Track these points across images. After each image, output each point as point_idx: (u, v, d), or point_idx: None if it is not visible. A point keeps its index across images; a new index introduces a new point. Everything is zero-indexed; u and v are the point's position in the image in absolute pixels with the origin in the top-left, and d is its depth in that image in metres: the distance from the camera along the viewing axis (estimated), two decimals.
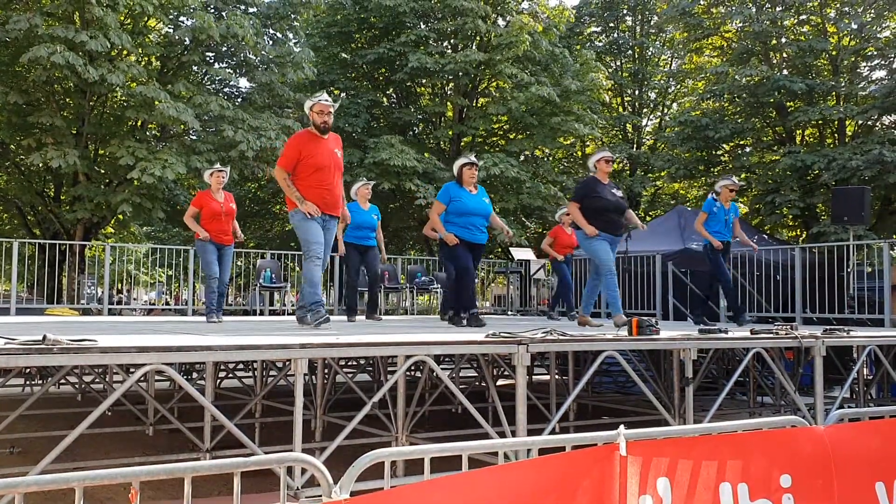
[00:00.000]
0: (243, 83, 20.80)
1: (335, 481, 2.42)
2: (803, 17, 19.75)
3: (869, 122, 18.64)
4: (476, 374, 11.80)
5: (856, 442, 3.20)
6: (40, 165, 15.88)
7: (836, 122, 18.81)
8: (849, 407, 9.19)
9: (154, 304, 26.82)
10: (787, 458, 2.97)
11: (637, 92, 27.68)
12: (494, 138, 23.74)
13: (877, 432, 3.34)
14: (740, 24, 19.69)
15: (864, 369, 10.39)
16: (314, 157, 6.54)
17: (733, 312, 9.86)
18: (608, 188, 8.11)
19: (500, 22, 22.02)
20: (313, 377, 8.27)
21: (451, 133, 21.94)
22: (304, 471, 4.34)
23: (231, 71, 19.34)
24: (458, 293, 7.84)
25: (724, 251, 9.74)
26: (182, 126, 16.99)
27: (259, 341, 4.39)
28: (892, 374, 8.31)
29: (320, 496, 2.47)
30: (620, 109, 27.39)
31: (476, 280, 8.18)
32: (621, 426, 2.68)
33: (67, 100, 17.49)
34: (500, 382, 10.69)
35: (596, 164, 8.20)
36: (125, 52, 16.57)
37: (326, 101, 6.69)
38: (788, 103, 18.98)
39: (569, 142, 24.55)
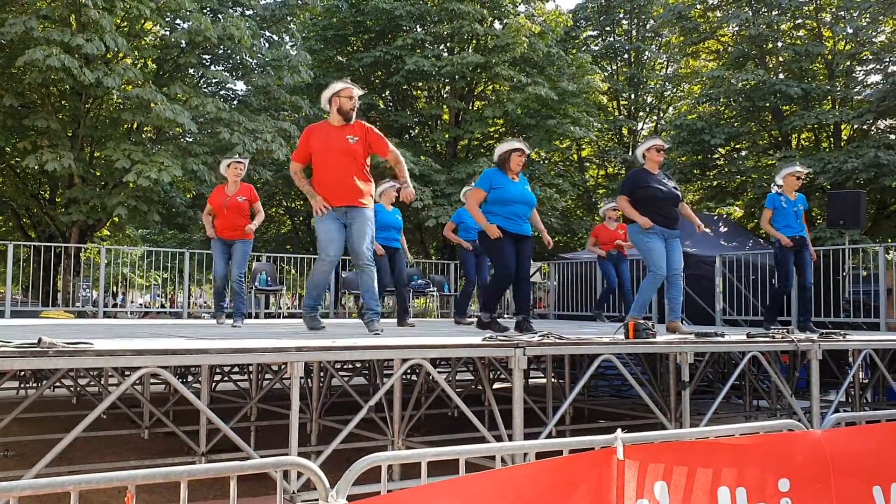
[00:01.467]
0: (240, 86, 20.83)
1: (331, 485, 2.41)
2: (799, 21, 19.81)
3: (864, 126, 18.68)
4: (472, 378, 11.80)
5: (853, 446, 3.20)
6: (35, 168, 15.84)
7: (831, 127, 18.85)
8: (844, 411, 9.19)
9: (149, 307, 26.79)
10: (785, 462, 2.97)
11: (633, 96, 27.72)
12: (490, 142, 23.76)
13: (873, 436, 3.34)
14: (736, 28, 19.76)
15: (860, 373, 10.41)
16: (320, 145, 6.21)
17: (767, 316, 9.07)
18: (658, 178, 7.50)
19: (497, 25, 22.06)
20: (309, 381, 8.25)
21: (447, 136, 21.96)
22: (300, 474, 4.32)
23: (227, 73, 19.34)
24: (496, 294, 7.20)
25: (801, 246, 8.72)
26: (178, 128, 16.98)
27: (255, 345, 4.38)
28: (887, 378, 8.33)
29: (316, 500, 2.46)
30: (616, 113, 27.43)
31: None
32: (618, 430, 2.68)
33: (63, 102, 17.46)
34: (496, 386, 10.68)
35: (646, 153, 7.58)
36: (121, 55, 16.55)
37: (354, 87, 6.30)
38: (784, 107, 19.03)
39: (565, 145, 24.57)
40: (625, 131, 27.30)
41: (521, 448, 3.57)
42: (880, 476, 3.23)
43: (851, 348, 7.73)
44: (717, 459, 2.82)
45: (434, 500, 2.23)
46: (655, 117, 28.71)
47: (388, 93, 23.31)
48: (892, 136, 18.28)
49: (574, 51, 24.90)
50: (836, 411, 7.40)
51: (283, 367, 6.85)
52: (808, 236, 9.02)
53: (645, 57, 27.83)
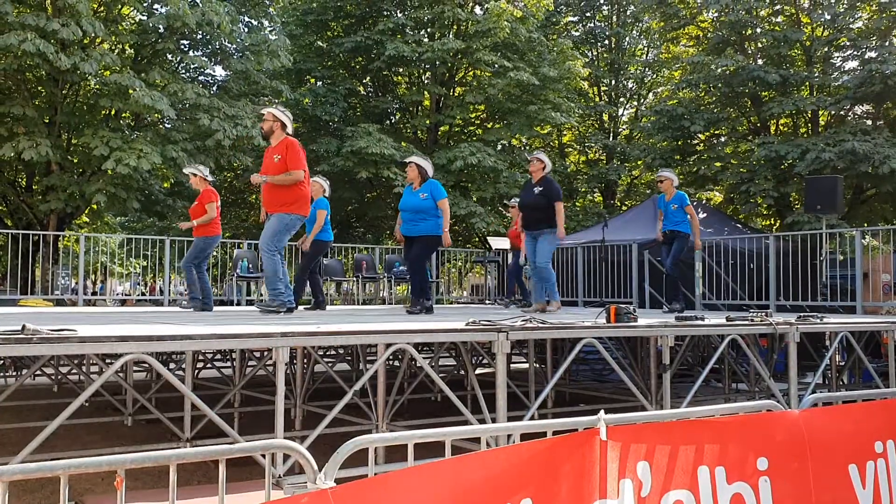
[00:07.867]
0: (219, 71, 20.66)
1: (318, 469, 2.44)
2: (777, 7, 19.87)
3: (842, 113, 18.83)
4: (454, 364, 11.84)
5: (829, 426, 3.27)
6: (12, 156, 15.64)
7: (809, 113, 19.00)
8: (822, 393, 9.32)
9: (128, 295, 26.61)
10: (764, 441, 3.02)
11: (613, 82, 27.78)
12: (472, 128, 23.74)
13: (849, 416, 3.41)
14: (716, 14, 19.79)
15: (837, 356, 10.54)
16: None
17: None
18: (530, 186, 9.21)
19: (478, 10, 22.01)
20: (293, 366, 8.26)
21: (428, 122, 21.92)
22: (286, 457, 4.35)
23: (206, 59, 19.17)
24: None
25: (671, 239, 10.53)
26: (157, 115, 16.83)
27: (240, 330, 4.38)
28: (863, 360, 8.45)
29: (304, 483, 2.48)
30: (597, 99, 27.48)
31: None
32: (601, 411, 2.72)
33: (39, 88, 17.25)
34: (478, 371, 10.74)
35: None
36: (98, 40, 16.36)
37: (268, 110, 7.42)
38: (763, 93, 19.13)
39: (546, 131, 24.61)
40: (605, 117, 27.37)
41: (505, 429, 3.60)
42: (856, 455, 3.30)
43: (828, 331, 7.85)
44: (698, 439, 2.87)
45: (422, 482, 2.26)
46: (636, 103, 28.79)
47: (368, 78, 23.20)
48: (869, 122, 18.44)
49: (555, 36, 24.89)
50: (814, 393, 7.51)
51: (266, 353, 6.85)
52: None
53: (625, 42, 27.89)
